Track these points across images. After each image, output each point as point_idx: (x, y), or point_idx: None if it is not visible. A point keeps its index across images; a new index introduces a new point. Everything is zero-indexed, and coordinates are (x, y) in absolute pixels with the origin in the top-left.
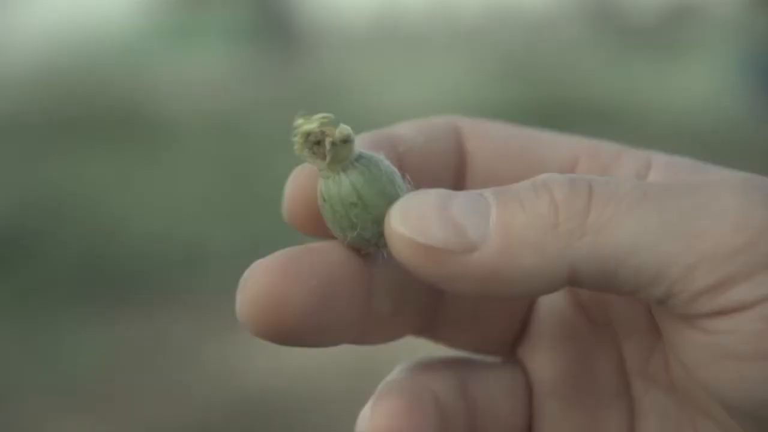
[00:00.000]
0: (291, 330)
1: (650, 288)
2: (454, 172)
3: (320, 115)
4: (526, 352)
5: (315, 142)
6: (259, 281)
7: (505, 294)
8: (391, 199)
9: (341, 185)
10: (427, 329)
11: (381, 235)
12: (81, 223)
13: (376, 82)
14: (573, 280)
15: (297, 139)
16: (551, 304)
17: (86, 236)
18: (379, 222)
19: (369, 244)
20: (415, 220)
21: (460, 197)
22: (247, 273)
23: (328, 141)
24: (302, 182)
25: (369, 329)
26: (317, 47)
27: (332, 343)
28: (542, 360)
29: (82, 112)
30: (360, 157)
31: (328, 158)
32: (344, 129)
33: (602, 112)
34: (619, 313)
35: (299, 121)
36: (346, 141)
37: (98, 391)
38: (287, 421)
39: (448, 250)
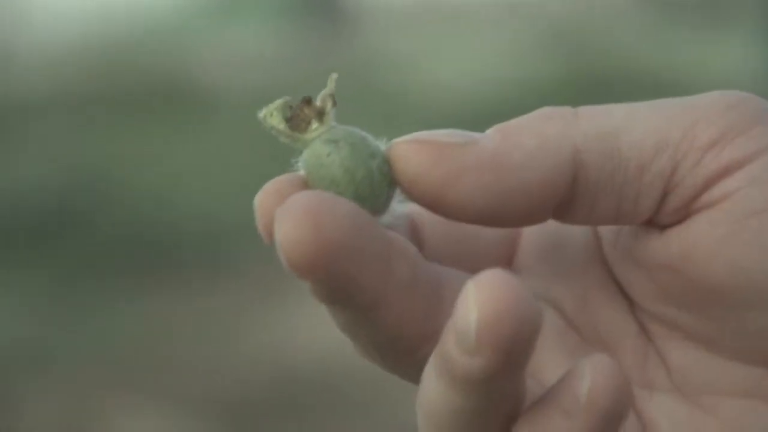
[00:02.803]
0: (333, 249)
1: (655, 161)
2: None
3: (279, 99)
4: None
5: (302, 107)
6: (300, 200)
7: (515, 185)
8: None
9: (344, 128)
10: (430, 331)
11: (389, 174)
12: (126, 197)
13: (420, 57)
14: (578, 166)
15: (274, 114)
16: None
17: (131, 210)
18: (385, 160)
19: (383, 181)
20: (417, 134)
21: None
22: (281, 207)
23: (327, 91)
24: (276, 188)
25: (390, 292)
26: (361, 23)
27: (363, 284)
28: (549, 375)
29: (128, 87)
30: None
31: (329, 106)
32: (327, 89)
33: (645, 85)
34: (605, 321)
35: (262, 111)
36: (332, 96)
37: (141, 363)
38: (329, 394)
39: (452, 143)
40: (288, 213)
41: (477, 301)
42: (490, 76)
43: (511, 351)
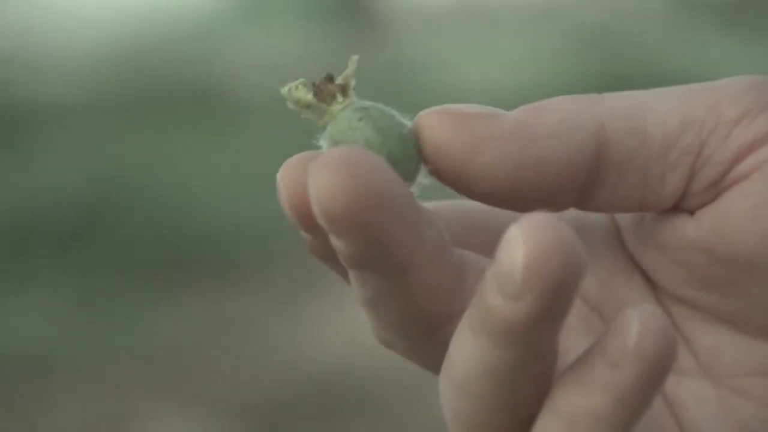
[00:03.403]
0: (370, 198)
1: (681, 138)
2: None
3: (297, 80)
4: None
5: (327, 83)
6: (336, 152)
7: (538, 155)
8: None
9: (370, 102)
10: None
11: (419, 151)
12: (153, 202)
13: (451, 60)
14: (602, 142)
15: (299, 88)
16: None
17: (157, 215)
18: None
19: (413, 150)
20: (443, 106)
21: None
22: (314, 162)
23: (349, 71)
24: (298, 164)
25: (420, 256)
26: (392, 26)
27: (397, 241)
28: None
29: (156, 92)
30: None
31: (352, 83)
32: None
33: None
34: (629, 304)
35: (285, 88)
36: (354, 78)
37: (169, 367)
38: (356, 397)
39: (477, 113)
40: (324, 163)
41: (523, 240)
42: (521, 79)
43: (558, 292)
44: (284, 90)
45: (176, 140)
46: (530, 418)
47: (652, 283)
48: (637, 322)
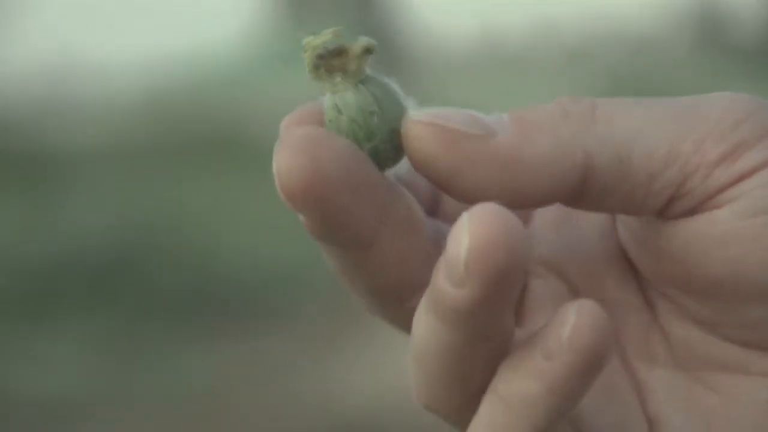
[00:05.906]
0: (328, 179)
1: (665, 172)
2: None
3: (330, 29)
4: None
5: (332, 56)
6: (299, 132)
7: (523, 183)
8: (405, 111)
9: (360, 94)
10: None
11: (396, 148)
12: (183, 248)
13: (477, 103)
14: (588, 170)
15: (308, 54)
16: (543, 294)
17: (188, 259)
18: (395, 133)
19: (380, 159)
20: (434, 112)
21: None
22: (279, 139)
23: (357, 47)
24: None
25: (384, 231)
26: (419, 69)
27: (357, 219)
28: None
29: (185, 138)
30: (369, 75)
31: (353, 66)
32: (367, 39)
33: None
34: (611, 293)
35: (309, 38)
36: (370, 51)
37: (199, 411)
38: None
39: (467, 132)
40: (286, 143)
41: (469, 231)
42: None
43: (500, 281)
44: (304, 41)
45: (205, 186)
46: (481, 395)
47: (638, 273)
48: (573, 316)
